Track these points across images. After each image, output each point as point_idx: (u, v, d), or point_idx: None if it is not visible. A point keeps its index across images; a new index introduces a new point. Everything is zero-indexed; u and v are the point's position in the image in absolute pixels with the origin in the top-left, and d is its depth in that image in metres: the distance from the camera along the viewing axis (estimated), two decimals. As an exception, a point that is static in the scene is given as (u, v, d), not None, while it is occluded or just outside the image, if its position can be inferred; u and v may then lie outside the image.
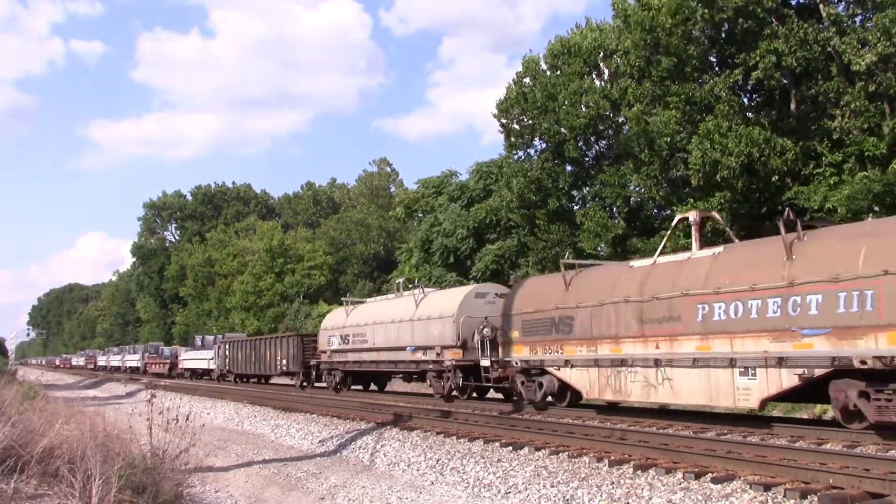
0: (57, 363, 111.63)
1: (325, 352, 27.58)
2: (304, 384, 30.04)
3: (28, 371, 73.70)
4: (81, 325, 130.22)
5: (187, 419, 9.49)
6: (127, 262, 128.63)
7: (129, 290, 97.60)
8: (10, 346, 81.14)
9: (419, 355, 21.32)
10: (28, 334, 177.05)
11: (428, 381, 21.52)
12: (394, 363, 23.10)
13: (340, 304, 54.56)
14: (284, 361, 31.05)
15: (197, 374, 46.94)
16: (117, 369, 65.94)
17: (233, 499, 11.35)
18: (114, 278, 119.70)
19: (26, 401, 12.52)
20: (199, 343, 47.94)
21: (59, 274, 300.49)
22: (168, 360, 52.12)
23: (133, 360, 61.96)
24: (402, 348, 22.15)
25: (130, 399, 31.19)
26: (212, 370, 42.42)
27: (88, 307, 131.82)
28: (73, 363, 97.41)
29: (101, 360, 76.39)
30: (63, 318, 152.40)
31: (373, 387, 28.00)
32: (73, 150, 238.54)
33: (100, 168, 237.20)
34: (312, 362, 28.88)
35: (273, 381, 37.10)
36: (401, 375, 25.20)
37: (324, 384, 28.71)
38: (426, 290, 23.34)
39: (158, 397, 10.30)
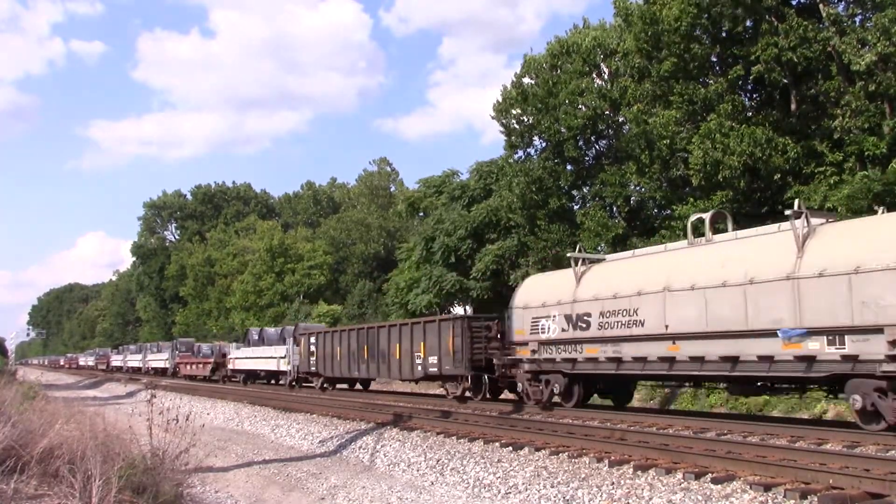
0: (61, 363, 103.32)
1: (524, 344, 17.39)
2: (469, 394, 20.30)
3: (28, 371, 73.55)
4: (81, 325, 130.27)
5: (187, 419, 9.49)
6: (127, 261, 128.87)
7: (129, 289, 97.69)
8: (11, 346, 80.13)
9: (819, 346, 11.13)
10: (28, 334, 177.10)
11: (856, 399, 10.74)
12: (728, 362, 12.49)
13: (341, 303, 55.09)
14: (433, 360, 20.85)
15: (256, 377, 36.45)
16: (137, 371, 56.50)
17: (233, 499, 11.34)
18: (114, 278, 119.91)
19: (26, 401, 12.51)
20: (256, 337, 37.06)
21: (59, 274, 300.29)
22: (210, 360, 41.64)
23: (159, 360, 52.12)
24: (763, 333, 11.85)
25: (130, 399, 31.18)
26: (282, 373, 32.08)
27: (88, 307, 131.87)
28: (81, 363, 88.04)
29: (116, 361, 66.14)
30: (63, 317, 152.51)
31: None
32: (73, 150, 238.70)
33: (100, 168, 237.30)
34: (497, 361, 18.66)
35: (387, 385, 30.39)
36: (764, 383, 13.16)
37: (490, 395, 20.13)
38: (813, 218, 12.17)
39: (158, 397, 10.29)
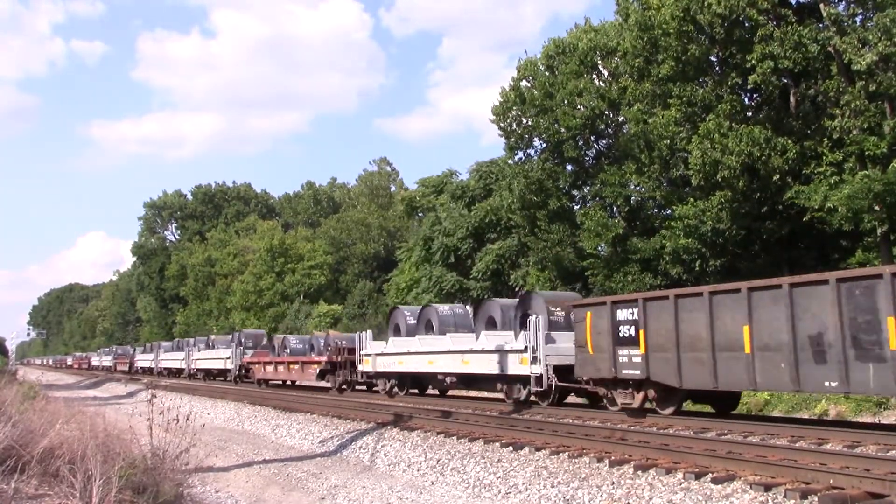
0: (69, 363, 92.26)
1: None
2: None
3: (29, 371, 73.44)
4: (82, 325, 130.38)
5: (188, 419, 9.49)
6: (127, 261, 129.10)
7: (130, 289, 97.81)
8: (11, 345, 79.53)
9: None
10: (28, 334, 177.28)
11: None
12: None
13: (341, 303, 55.16)
14: None
15: (428, 384, 22.81)
16: (175, 374, 44.86)
17: (233, 499, 11.34)
18: (114, 278, 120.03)
19: (27, 401, 12.52)
20: (412, 321, 23.42)
21: (59, 274, 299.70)
22: (316, 359, 27.73)
23: (214, 359, 39.15)
24: None
25: (131, 399, 31.19)
26: (515, 379, 17.52)
27: (89, 307, 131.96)
28: (94, 363, 74.31)
29: (143, 361, 53.49)
30: (63, 317, 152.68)
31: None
32: (73, 149, 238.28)
33: (100, 168, 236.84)
34: None
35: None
36: None
37: None
38: None
39: (159, 397, 10.30)
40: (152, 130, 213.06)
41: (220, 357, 38.19)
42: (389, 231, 59.44)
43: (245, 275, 62.63)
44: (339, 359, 26.16)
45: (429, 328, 22.62)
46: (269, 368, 31.83)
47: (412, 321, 23.60)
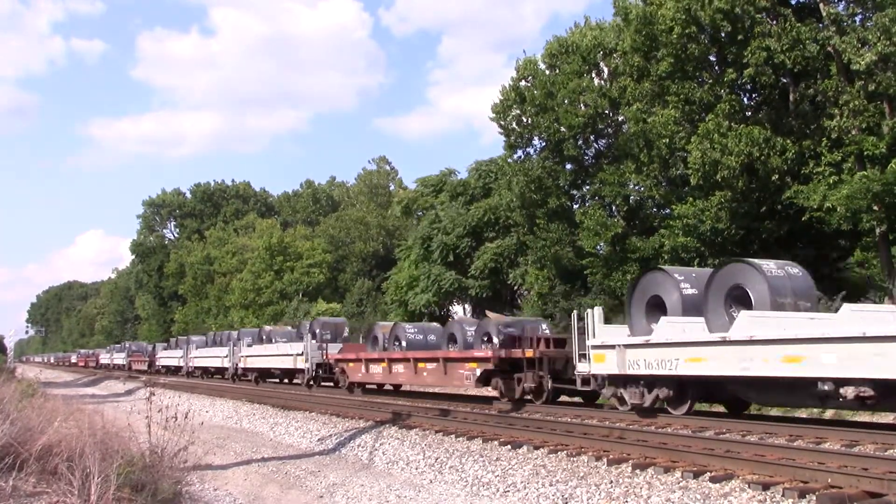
0: (73, 360, 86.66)
1: None
2: None
3: (28, 369, 73.23)
4: (80, 323, 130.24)
5: (186, 417, 9.48)
6: (126, 259, 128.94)
7: (128, 287, 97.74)
8: (9, 343, 79.30)
9: None
10: (27, 332, 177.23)
11: None
12: None
13: (340, 301, 55.11)
14: None
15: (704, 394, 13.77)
16: (212, 374, 38.66)
17: (231, 497, 11.33)
18: (113, 276, 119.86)
19: (25, 398, 12.51)
20: (689, 288, 13.79)
21: (58, 272, 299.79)
22: (479, 355, 18.22)
23: (271, 357, 30.62)
24: None
25: (129, 397, 31.17)
26: None
27: (87, 305, 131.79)
28: (104, 361, 66.88)
29: (168, 360, 46.97)
30: (62, 315, 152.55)
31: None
32: (72, 148, 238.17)
33: (99, 166, 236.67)
34: None
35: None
36: None
37: None
38: None
39: (157, 395, 10.29)
40: (152, 129, 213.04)
41: (284, 354, 28.99)
42: (388, 230, 59.38)
43: (244, 273, 62.59)
44: (522, 354, 17.37)
45: (735, 300, 12.91)
46: (376, 368, 22.75)
47: (690, 291, 14.04)
